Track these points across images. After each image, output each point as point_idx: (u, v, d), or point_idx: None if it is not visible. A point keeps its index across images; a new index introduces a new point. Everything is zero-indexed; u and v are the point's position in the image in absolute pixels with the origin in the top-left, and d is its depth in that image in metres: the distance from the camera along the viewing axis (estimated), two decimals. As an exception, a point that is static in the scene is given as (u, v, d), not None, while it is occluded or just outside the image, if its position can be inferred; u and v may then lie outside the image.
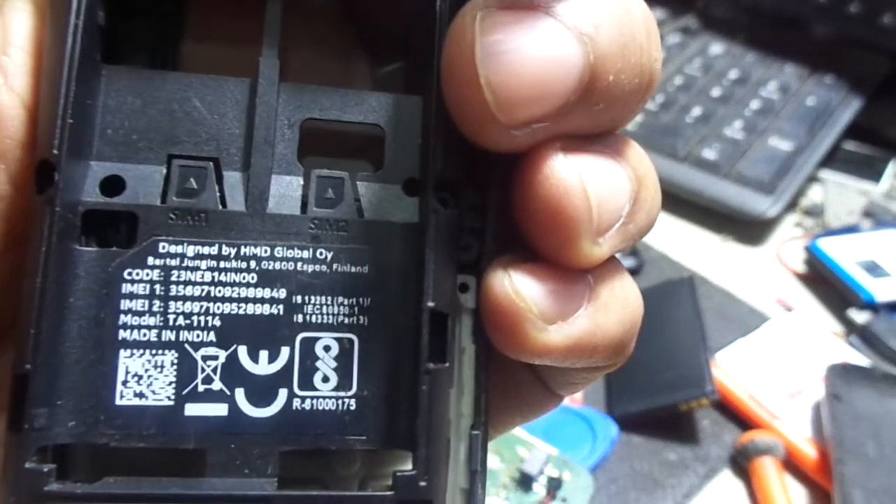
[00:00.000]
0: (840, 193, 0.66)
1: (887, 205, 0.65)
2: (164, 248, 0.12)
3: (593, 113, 0.14)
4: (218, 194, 0.12)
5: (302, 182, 0.13)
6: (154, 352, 0.12)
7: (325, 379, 0.12)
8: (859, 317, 0.54)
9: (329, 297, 0.13)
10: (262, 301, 0.12)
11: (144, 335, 0.12)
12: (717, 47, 0.77)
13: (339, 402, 0.12)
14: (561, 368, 0.16)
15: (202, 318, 0.12)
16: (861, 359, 0.52)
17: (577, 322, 0.14)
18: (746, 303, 0.57)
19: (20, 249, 0.12)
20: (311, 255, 0.13)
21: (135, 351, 0.12)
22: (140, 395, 0.12)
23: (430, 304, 0.13)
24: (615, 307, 0.15)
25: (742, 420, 0.48)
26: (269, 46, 0.13)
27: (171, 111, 0.12)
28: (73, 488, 0.11)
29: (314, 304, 0.13)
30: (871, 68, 0.72)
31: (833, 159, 0.68)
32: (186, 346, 0.12)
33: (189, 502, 0.11)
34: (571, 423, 0.47)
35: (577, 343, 0.14)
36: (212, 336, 0.12)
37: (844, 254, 0.58)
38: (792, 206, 0.64)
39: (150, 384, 0.12)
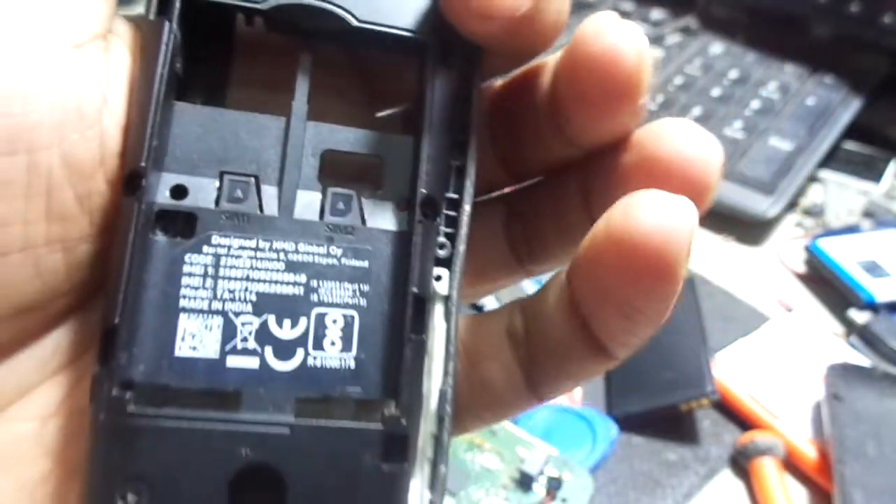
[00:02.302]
0: (840, 193, 0.66)
1: (887, 205, 0.65)
2: (216, 240, 0.16)
3: None
4: (257, 202, 0.16)
5: (321, 196, 0.17)
6: (205, 317, 0.16)
7: (333, 343, 0.16)
8: (859, 317, 0.54)
9: (338, 283, 0.17)
10: (288, 283, 0.16)
11: (199, 304, 0.16)
12: (717, 47, 0.77)
13: (343, 361, 0.16)
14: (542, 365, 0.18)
15: (242, 293, 0.16)
16: (861, 359, 0.52)
17: None
18: (747, 303, 0.57)
19: (104, 236, 0.16)
20: (325, 251, 0.17)
21: (191, 315, 0.16)
22: (194, 349, 0.16)
23: (414, 289, 0.17)
24: None
25: (742, 420, 0.48)
26: (300, 93, 0.17)
27: (224, 139, 0.16)
28: (145, 411, 0.15)
29: (326, 288, 0.17)
30: (871, 68, 0.72)
31: (833, 159, 0.68)
32: (230, 314, 0.16)
33: (231, 424, 0.15)
34: (571, 423, 0.47)
35: None
36: (249, 307, 0.16)
37: (844, 254, 0.58)
38: (792, 206, 0.64)
39: (202, 341, 0.16)
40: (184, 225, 0.16)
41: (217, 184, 0.16)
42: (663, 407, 0.47)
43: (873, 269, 0.57)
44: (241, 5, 0.17)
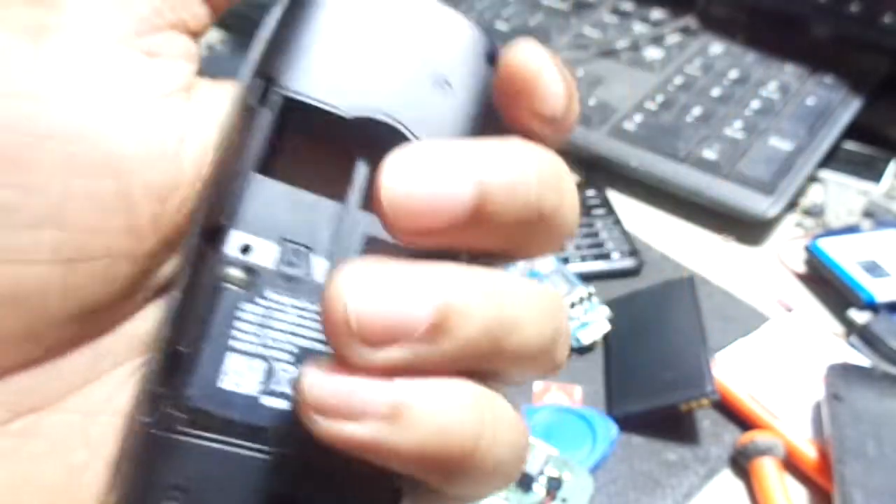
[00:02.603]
0: (840, 193, 0.66)
1: (887, 205, 0.65)
2: (270, 295, 0.19)
3: None
4: (309, 269, 0.19)
5: None
6: (250, 358, 0.18)
7: None
8: (859, 317, 0.54)
9: None
10: (323, 341, 0.18)
11: (246, 347, 0.18)
12: (717, 47, 0.77)
13: None
14: None
15: (284, 344, 0.18)
16: (861, 359, 0.52)
17: None
18: (747, 303, 0.57)
19: (167, 253, 0.19)
20: None
21: (238, 355, 0.18)
22: (236, 384, 0.18)
23: None
24: None
25: (742, 420, 0.48)
26: (356, 181, 0.20)
27: (288, 212, 0.19)
28: (190, 431, 0.17)
29: None
30: (871, 68, 0.72)
31: (833, 159, 0.68)
32: (271, 360, 0.18)
33: (260, 455, 0.18)
34: (571, 423, 0.47)
35: None
36: (288, 357, 0.18)
37: (844, 254, 0.58)
38: (792, 206, 0.64)
39: (244, 378, 0.18)
40: (246, 278, 0.18)
41: (277, 248, 0.19)
42: (663, 407, 0.47)
43: (873, 269, 0.57)
44: (330, 113, 0.19)
